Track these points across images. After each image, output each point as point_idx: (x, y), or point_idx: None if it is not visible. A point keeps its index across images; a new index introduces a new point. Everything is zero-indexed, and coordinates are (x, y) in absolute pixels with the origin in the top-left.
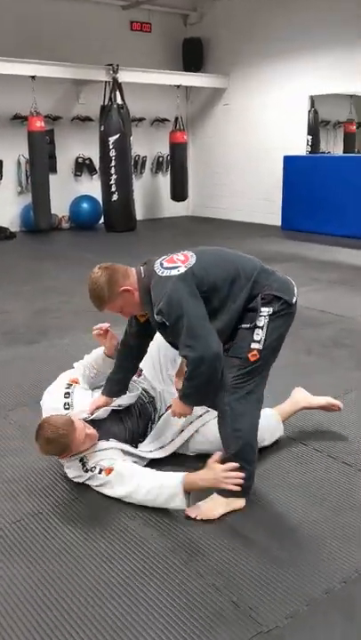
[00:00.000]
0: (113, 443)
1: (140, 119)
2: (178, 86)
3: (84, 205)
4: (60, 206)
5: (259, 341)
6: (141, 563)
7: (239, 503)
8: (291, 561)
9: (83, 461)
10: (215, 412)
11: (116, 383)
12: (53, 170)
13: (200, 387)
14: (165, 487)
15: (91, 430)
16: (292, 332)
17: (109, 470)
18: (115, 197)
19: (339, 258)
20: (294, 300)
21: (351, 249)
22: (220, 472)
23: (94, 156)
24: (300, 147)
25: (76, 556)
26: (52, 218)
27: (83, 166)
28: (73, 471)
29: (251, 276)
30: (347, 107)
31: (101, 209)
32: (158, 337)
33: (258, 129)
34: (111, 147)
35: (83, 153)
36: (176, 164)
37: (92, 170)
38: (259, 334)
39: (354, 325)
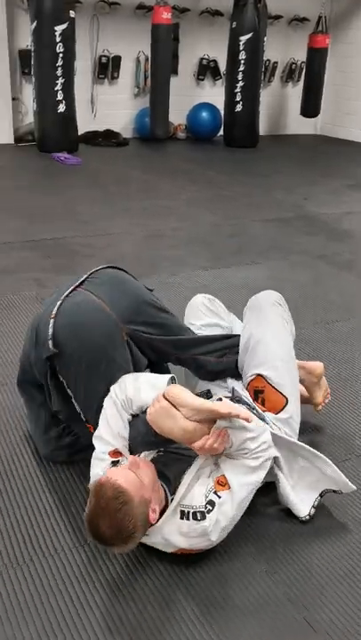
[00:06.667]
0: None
1: (277, 17)
2: None
3: (204, 114)
4: (177, 113)
5: None
6: None
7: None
8: None
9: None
10: None
11: None
12: (174, 71)
13: None
14: None
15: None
16: None
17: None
18: (239, 108)
19: None
20: None
21: None
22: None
23: (221, 57)
24: None
25: None
26: (169, 126)
27: (206, 69)
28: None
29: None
30: None
31: (222, 120)
32: None
33: None
34: (242, 48)
35: (208, 53)
36: (312, 74)
37: (216, 74)
38: None
39: None
